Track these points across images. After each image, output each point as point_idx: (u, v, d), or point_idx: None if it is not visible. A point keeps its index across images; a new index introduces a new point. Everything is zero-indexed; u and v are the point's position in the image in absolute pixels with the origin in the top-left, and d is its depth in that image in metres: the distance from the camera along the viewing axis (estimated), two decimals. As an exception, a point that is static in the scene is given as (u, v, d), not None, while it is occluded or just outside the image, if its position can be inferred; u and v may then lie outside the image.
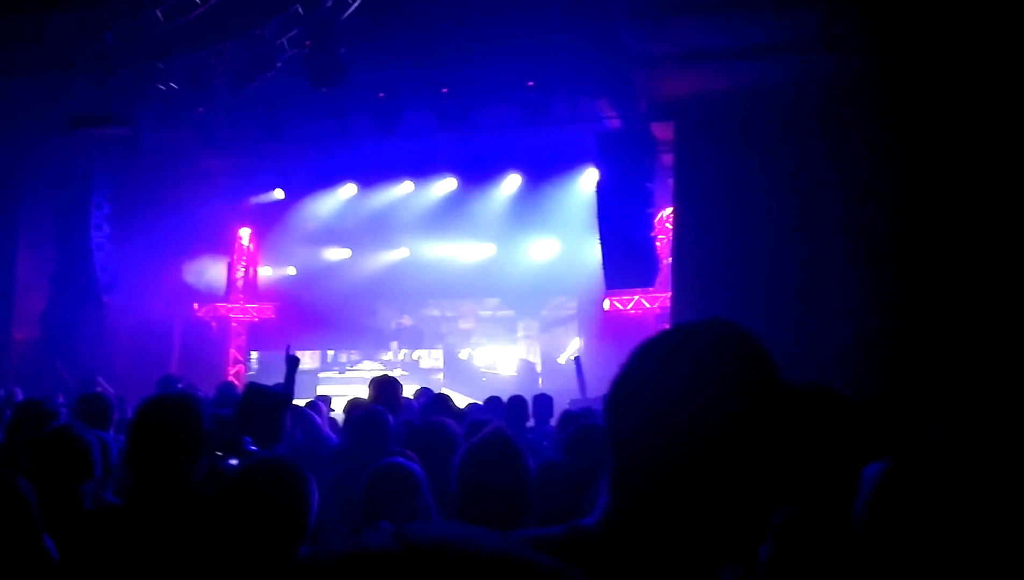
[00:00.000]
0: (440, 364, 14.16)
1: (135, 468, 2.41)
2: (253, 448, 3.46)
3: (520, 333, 14.06)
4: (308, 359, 14.18)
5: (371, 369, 13.86)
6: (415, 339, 14.36)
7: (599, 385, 6.98)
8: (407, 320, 14.39)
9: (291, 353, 5.35)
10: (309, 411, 5.99)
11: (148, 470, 2.38)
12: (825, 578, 1.92)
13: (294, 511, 2.02)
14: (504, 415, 5.68)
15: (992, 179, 5.99)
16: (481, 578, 0.50)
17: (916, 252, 6.43)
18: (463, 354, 14.14)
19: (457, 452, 2.94)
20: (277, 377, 5.39)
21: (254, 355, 14.16)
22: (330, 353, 14.34)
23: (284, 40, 8.51)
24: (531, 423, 6.24)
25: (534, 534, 1.24)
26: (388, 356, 14.16)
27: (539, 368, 13.59)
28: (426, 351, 14.34)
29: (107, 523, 2.38)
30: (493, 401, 6.35)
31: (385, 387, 5.26)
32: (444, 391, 6.47)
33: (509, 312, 14.03)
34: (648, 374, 1.17)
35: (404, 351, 14.27)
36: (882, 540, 2.05)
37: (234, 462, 3.13)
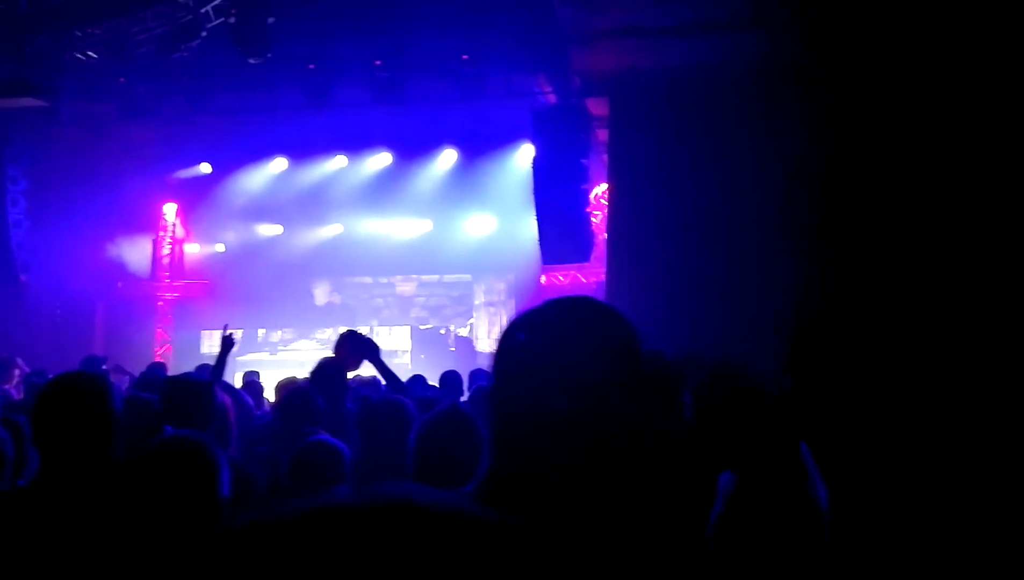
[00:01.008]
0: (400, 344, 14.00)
1: (42, 450, 2.32)
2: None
3: (455, 309, 14.05)
4: (262, 334, 13.94)
5: (306, 348, 13.70)
6: (347, 317, 14.20)
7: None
8: (335, 298, 14.20)
9: (227, 334, 5.24)
10: (240, 391, 5.89)
11: (54, 451, 2.29)
12: (773, 542, 1.96)
13: (199, 489, 1.95)
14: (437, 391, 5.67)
15: (920, 156, 6.18)
16: (440, 528, 0.51)
17: (844, 227, 6.61)
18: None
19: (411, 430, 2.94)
20: (195, 360, 5.27)
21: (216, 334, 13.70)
22: (260, 332, 14.04)
23: (209, 8, 8.23)
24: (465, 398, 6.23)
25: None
26: (325, 334, 14.00)
27: (478, 345, 13.59)
28: (366, 328, 14.20)
29: (12, 506, 2.29)
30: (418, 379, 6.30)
31: (326, 368, 5.17)
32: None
33: (444, 295, 14.01)
34: (522, 344, 1.25)
35: (332, 329, 14.09)
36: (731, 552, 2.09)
37: None
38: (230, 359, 5.33)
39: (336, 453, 3.12)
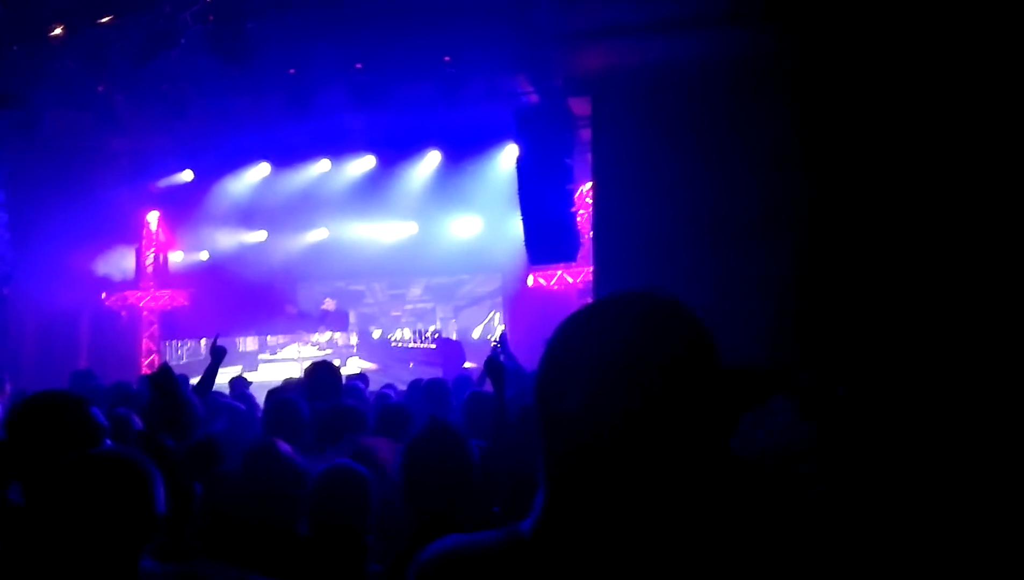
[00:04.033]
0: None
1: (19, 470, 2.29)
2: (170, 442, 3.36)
3: (439, 313, 14.04)
4: (251, 343, 13.89)
5: (300, 351, 13.71)
6: (340, 321, 14.18)
7: (524, 362, 6.99)
8: (330, 304, 14.16)
9: (218, 345, 5.21)
10: (231, 400, 5.89)
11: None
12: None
13: (124, 508, 1.87)
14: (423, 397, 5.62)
15: (902, 147, 6.20)
16: None
17: (829, 221, 6.62)
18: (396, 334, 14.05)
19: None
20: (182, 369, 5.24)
21: (202, 342, 13.61)
22: (246, 340, 13.96)
23: (188, 15, 8.15)
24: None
25: (469, 539, 1.13)
26: (324, 338, 14.02)
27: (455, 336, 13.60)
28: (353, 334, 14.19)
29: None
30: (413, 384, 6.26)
31: (320, 372, 5.19)
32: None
33: (430, 299, 14.02)
34: (579, 350, 1.07)
35: (329, 334, 14.08)
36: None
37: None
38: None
39: (361, 482, 3.03)
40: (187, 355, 13.64)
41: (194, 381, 5.30)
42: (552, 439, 1.07)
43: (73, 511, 1.85)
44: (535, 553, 1.06)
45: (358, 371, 9.16)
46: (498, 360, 4.38)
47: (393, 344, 13.95)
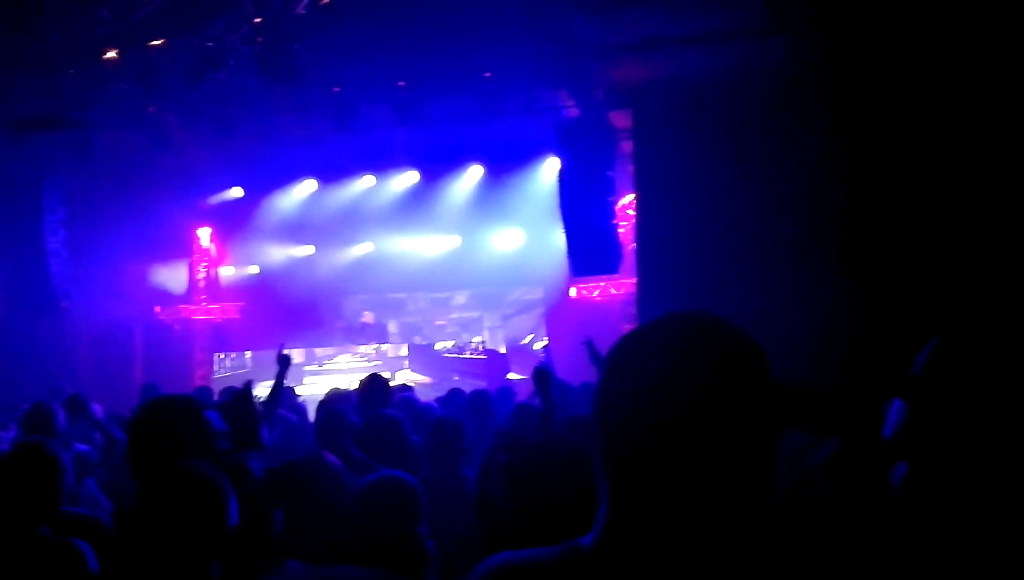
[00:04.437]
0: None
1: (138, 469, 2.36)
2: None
3: (487, 322, 14.06)
4: (296, 355, 14.08)
5: (348, 362, 13.88)
6: (380, 334, 14.31)
7: (567, 373, 7.00)
8: (368, 317, 14.30)
9: (283, 353, 5.31)
10: (283, 411, 6.00)
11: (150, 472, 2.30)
12: None
13: (199, 523, 1.95)
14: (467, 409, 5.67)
15: (946, 156, 6.07)
16: None
17: (874, 233, 6.51)
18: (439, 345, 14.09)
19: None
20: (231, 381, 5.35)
21: (248, 355, 13.89)
22: (293, 352, 14.15)
23: (236, 37, 8.36)
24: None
25: (526, 554, 1.15)
26: (371, 349, 14.15)
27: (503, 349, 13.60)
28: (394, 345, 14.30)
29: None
30: (455, 394, 6.33)
31: (373, 383, 5.35)
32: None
33: (475, 310, 14.06)
34: (643, 367, 1.10)
35: (375, 346, 14.21)
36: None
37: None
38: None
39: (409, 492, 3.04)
40: (231, 367, 13.88)
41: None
42: (612, 454, 1.10)
43: (150, 523, 1.95)
44: (596, 568, 1.08)
45: (402, 383, 9.24)
46: (546, 369, 4.44)
47: (445, 354, 13.95)
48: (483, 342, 13.74)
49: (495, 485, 2.65)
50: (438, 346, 14.04)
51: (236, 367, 13.77)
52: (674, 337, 1.12)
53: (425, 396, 7.71)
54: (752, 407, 1.08)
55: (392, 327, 14.28)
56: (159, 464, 2.28)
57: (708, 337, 1.11)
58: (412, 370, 14.02)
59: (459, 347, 13.88)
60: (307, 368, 14.12)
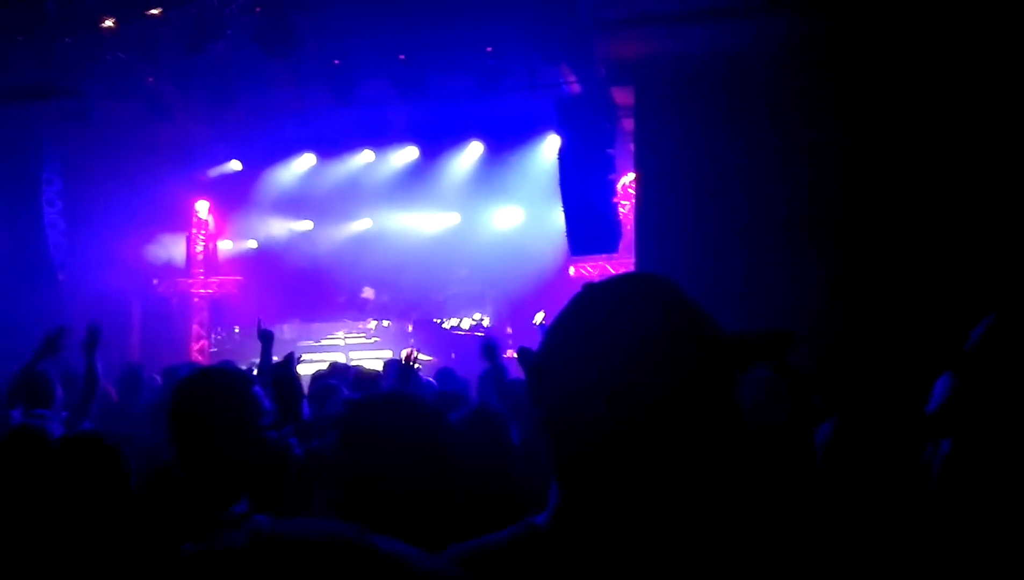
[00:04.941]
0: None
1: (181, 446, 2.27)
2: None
3: (489, 297, 13.99)
4: (287, 330, 14.04)
5: (345, 337, 13.81)
6: (382, 311, 14.26)
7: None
8: (368, 293, 14.25)
9: (263, 328, 5.28)
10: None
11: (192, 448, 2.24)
12: None
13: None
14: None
15: (950, 133, 6.02)
16: (313, 566, 0.55)
17: (876, 212, 6.47)
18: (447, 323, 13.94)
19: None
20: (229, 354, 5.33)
21: (236, 329, 13.84)
22: (282, 328, 14.04)
23: (234, 7, 8.27)
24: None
25: (486, 541, 1.11)
26: (372, 326, 14.06)
27: (509, 329, 13.52)
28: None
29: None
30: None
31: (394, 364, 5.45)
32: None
33: (479, 280, 13.93)
34: (571, 341, 1.06)
35: (374, 322, 14.13)
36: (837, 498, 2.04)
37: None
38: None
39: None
40: (220, 342, 13.83)
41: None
42: (556, 432, 1.05)
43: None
44: (551, 547, 1.05)
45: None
46: (492, 343, 4.85)
47: (456, 332, 13.72)
48: (483, 319, 13.68)
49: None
50: (446, 325, 13.85)
51: (224, 342, 13.73)
52: (606, 306, 1.07)
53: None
54: (700, 364, 1.01)
55: (378, 297, 14.08)
56: (202, 440, 2.19)
57: (640, 299, 1.06)
58: (417, 349, 13.88)
59: (473, 325, 13.66)
60: (300, 344, 14.10)
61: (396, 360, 5.54)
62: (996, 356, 1.83)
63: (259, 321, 5.41)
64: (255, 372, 5.23)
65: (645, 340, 1.01)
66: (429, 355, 13.35)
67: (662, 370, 1.00)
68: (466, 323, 13.62)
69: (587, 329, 1.05)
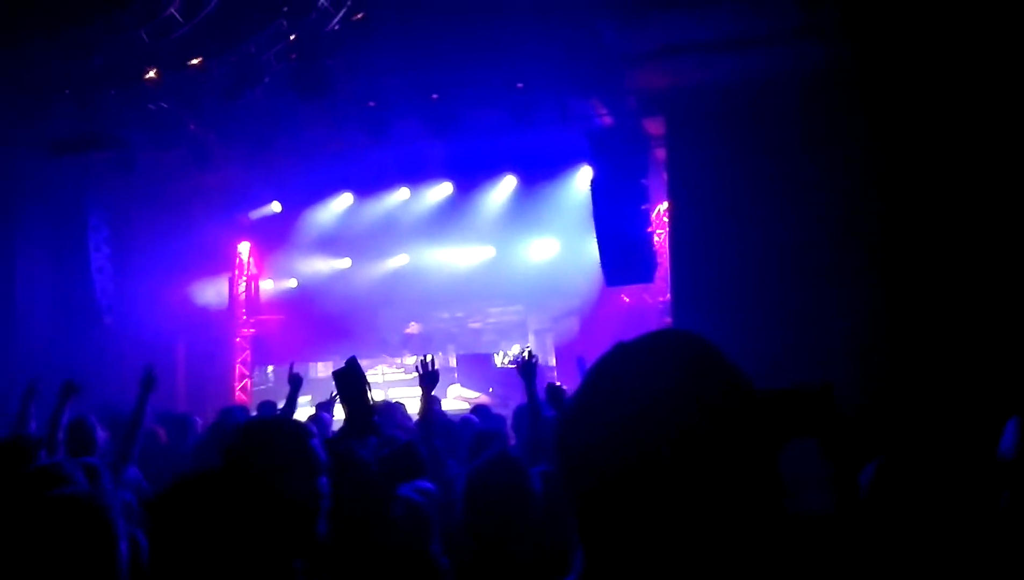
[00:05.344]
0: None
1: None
2: None
3: (531, 326, 13.98)
4: (322, 368, 14.19)
5: (384, 373, 13.89)
6: (423, 345, 14.33)
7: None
8: (414, 327, 14.36)
9: (294, 372, 5.36)
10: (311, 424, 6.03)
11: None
12: None
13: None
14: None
15: (982, 157, 5.94)
16: None
17: (912, 238, 6.38)
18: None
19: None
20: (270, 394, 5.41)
21: (269, 369, 14.07)
22: (315, 366, 14.15)
23: (271, 54, 8.50)
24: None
25: None
26: (410, 361, 14.10)
27: (553, 361, 13.49)
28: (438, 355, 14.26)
29: None
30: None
31: None
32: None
33: (517, 309, 13.92)
34: (597, 405, 1.01)
35: (413, 358, 14.17)
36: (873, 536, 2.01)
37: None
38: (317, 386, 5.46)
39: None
40: (275, 379, 14.04)
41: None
42: (582, 495, 1.00)
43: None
44: None
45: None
46: (530, 364, 4.73)
47: (499, 365, 13.59)
48: (524, 350, 13.59)
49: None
50: (498, 361, 13.55)
51: (259, 383, 13.90)
52: (636, 367, 1.02)
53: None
54: (736, 429, 0.96)
55: (435, 338, 14.14)
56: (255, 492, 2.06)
57: (678, 355, 1.01)
58: (461, 385, 13.81)
59: (514, 358, 13.48)
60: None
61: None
62: None
63: (291, 365, 5.49)
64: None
65: (675, 406, 0.97)
66: (476, 391, 13.22)
67: (692, 435, 0.95)
68: (513, 352, 13.57)
69: (615, 392, 1.00)
